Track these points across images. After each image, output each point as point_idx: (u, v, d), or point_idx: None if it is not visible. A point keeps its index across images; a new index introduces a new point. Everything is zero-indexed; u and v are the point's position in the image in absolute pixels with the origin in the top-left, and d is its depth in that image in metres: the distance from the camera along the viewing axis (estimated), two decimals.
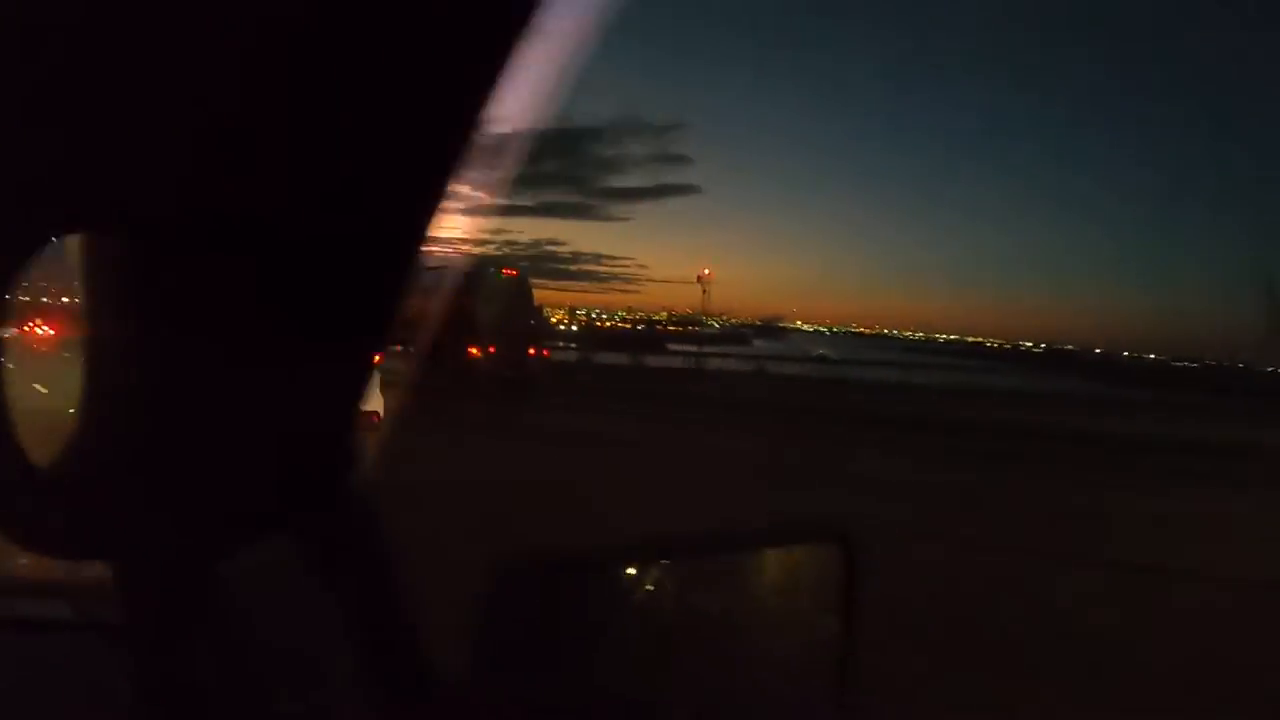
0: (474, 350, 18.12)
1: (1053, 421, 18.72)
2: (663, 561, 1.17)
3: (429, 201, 0.84)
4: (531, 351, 20.10)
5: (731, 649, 1.20)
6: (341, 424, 0.90)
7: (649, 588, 1.14)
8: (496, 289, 19.69)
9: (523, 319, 20.13)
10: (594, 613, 1.08)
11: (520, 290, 20.85)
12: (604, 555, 1.18)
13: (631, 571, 1.15)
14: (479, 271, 20.06)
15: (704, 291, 52.99)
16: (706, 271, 54.34)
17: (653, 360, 36.27)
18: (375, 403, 9.03)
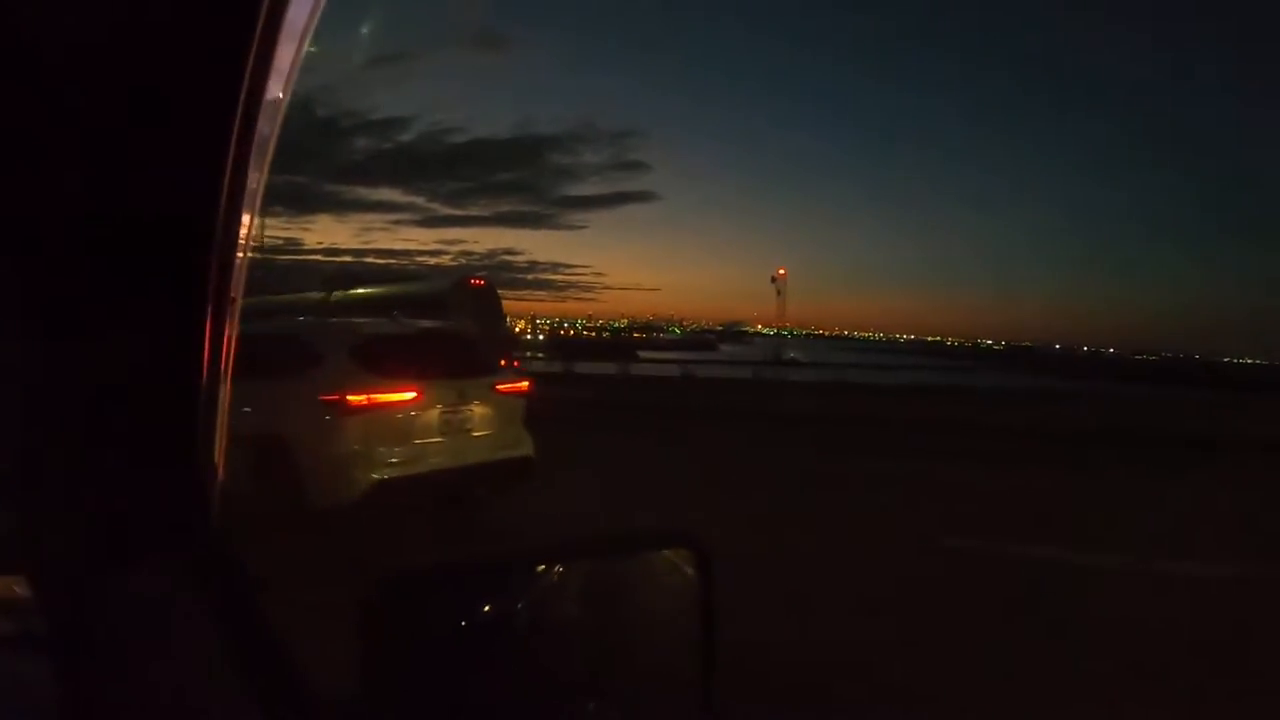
0: None
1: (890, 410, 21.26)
2: (527, 570, 1.20)
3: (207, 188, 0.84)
4: (503, 363, 18.98)
5: (595, 656, 1.22)
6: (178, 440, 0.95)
7: (510, 597, 1.16)
8: (463, 299, 19.38)
9: (492, 329, 19.35)
10: (459, 625, 1.10)
11: (488, 300, 20.51)
12: (458, 569, 1.17)
13: (495, 581, 1.17)
14: (444, 282, 20.18)
15: (778, 293, 53.50)
16: (781, 272, 55.35)
17: (633, 369, 36.12)
18: (527, 446, 8.42)
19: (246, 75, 0.77)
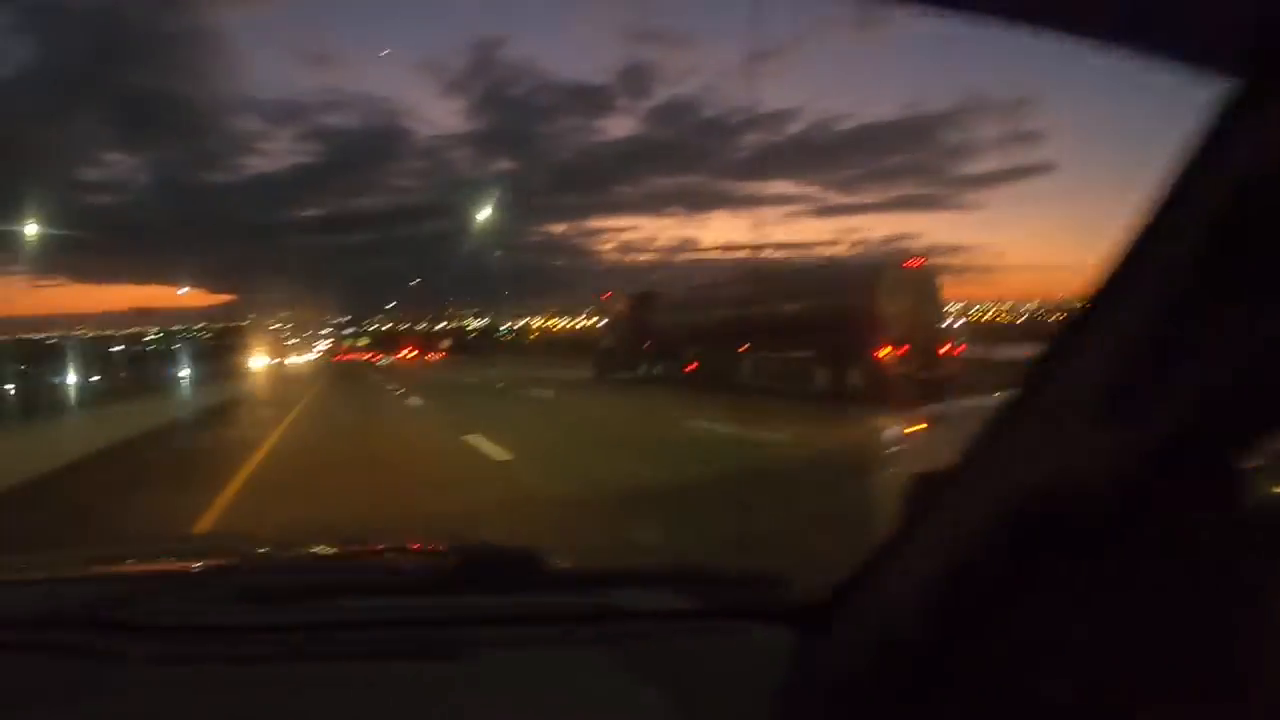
0: (883, 351, 17.84)
1: None
2: None
3: None
4: (943, 350, 18.60)
5: None
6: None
7: None
8: (900, 283, 18.93)
9: (932, 314, 19.13)
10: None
11: (927, 283, 19.56)
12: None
13: None
14: (877, 266, 19.79)
15: None
16: None
17: None
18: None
19: None
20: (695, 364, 24.52)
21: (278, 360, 68.74)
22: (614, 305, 32.36)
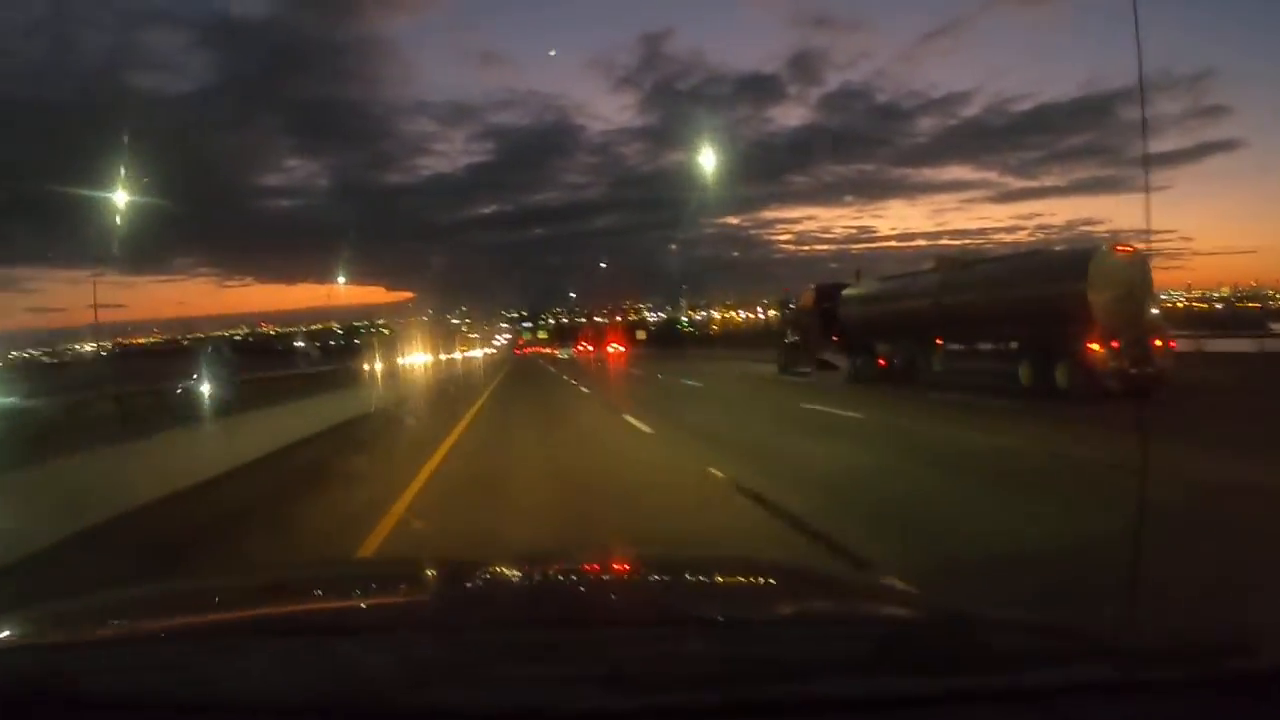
0: (1094, 345, 16.57)
1: None
2: None
3: None
4: (1158, 343, 17.18)
5: None
6: None
7: None
8: (1112, 272, 17.33)
9: (1144, 305, 17.65)
10: None
11: (1139, 271, 17.79)
12: None
13: None
14: (1087, 254, 17.94)
15: None
16: None
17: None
18: None
19: None
20: (884, 360, 23.78)
21: (457, 355, 71.29)
22: (799, 297, 31.82)
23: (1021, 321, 18.36)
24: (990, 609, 1.58)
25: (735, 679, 1.18)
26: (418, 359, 39.06)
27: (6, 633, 1.62)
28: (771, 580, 2.13)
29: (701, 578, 2.15)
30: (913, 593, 1.84)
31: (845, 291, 27.34)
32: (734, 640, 1.43)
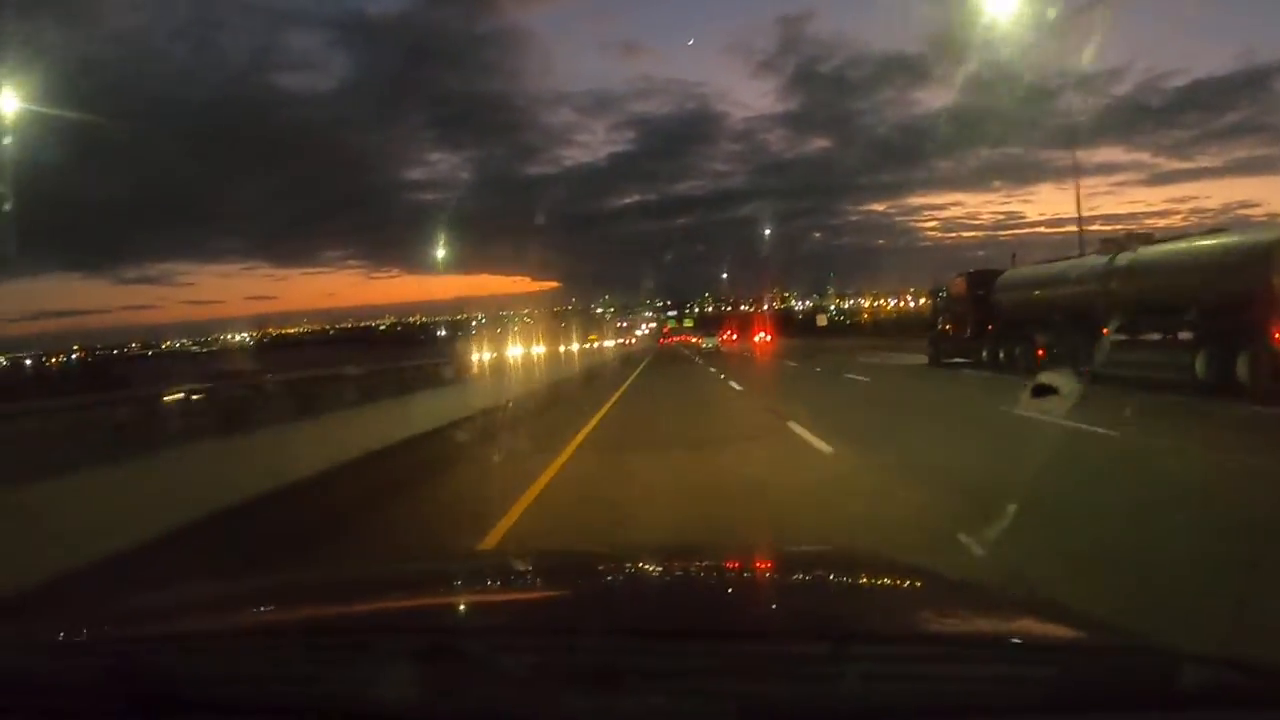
0: None
1: None
2: None
3: None
4: None
5: None
6: None
7: None
8: None
9: None
10: None
11: None
12: None
13: None
14: (1269, 234, 16.45)
15: None
16: None
17: None
18: None
19: None
20: (1044, 350, 22.47)
21: (600, 344, 71.95)
22: (950, 284, 30.55)
23: (1201, 310, 16.99)
24: (1174, 642, 1.40)
25: (894, 714, 1.07)
26: (554, 349, 39.10)
27: (141, 624, 1.67)
28: (920, 585, 1.99)
29: (846, 579, 2.04)
30: (1084, 616, 1.67)
31: (1002, 277, 26.08)
32: (892, 664, 1.28)
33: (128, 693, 1.19)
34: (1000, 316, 25.17)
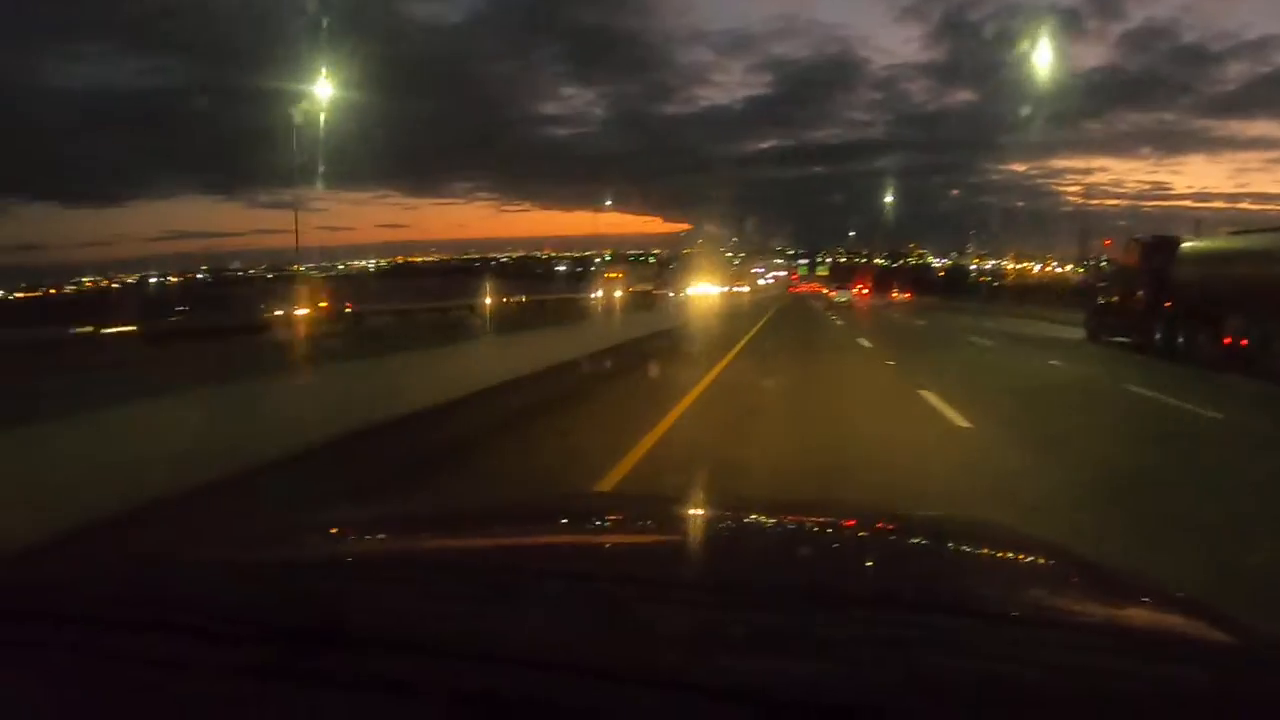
0: None
1: None
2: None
3: None
4: None
5: None
6: None
7: None
8: None
9: None
10: None
11: None
12: None
13: None
14: None
15: None
16: None
17: None
18: None
19: None
20: (1231, 337, 19.18)
21: (730, 289, 69.45)
22: (1120, 251, 27.01)
23: None
24: None
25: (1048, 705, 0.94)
26: (686, 291, 38.53)
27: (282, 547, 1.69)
28: (1071, 568, 1.77)
29: (998, 554, 1.89)
30: (1236, 620, 1.32)
31: (1185, 246, 22.59)
32: (1051, 651, 1.11)
33: (292, 620, 1.09)
34: (1181, 293, 21.76)
